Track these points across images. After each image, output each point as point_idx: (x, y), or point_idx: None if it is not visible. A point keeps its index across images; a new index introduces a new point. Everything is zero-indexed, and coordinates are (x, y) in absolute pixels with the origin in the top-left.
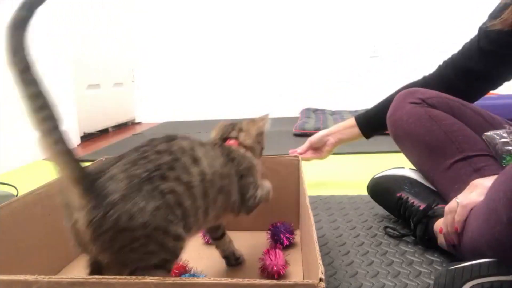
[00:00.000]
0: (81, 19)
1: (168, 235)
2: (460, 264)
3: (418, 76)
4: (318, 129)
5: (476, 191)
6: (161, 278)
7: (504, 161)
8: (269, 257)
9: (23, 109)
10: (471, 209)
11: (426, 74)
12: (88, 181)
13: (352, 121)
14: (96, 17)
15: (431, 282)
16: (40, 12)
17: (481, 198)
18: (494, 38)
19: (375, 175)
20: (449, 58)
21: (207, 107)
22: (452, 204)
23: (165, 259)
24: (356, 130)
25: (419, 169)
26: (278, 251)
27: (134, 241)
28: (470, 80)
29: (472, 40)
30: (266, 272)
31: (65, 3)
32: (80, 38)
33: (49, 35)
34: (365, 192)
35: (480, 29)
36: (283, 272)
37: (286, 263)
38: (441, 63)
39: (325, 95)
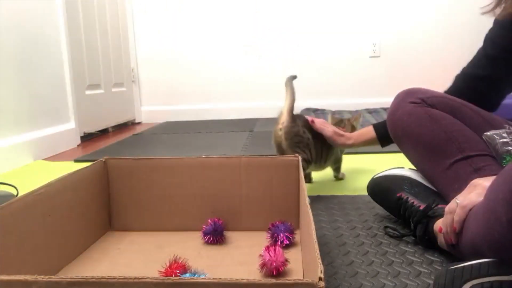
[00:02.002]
0: (82, 19)
1: (309, 147)
2: (460, 264)
3: (417, 76)
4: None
5: (475, 192)
6: (161, 278)
7: (504, 161)
8: (269, 253)
9: (23, 109)
10: (470, 210)
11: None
12: (292, 112)
13: (369, 127)
14: (97, 16)
15: (431, 282)
16: (40, 12)
17: (480, 198)
18: (498, 42)
19: (375, 175)
20: (460, 71)
21: (207, 107)
22: (452, 204)
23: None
24: (373, 133)
25: (419, 169)
26: (277, 248)
27: (298, 140)
28: (481, 88)
29: (478, 49)
30: (265, 268)
31: (65, 3)
32: (80, 37)
33: (49, 35)
34: (365, 192)
35: (486, 36)
36: (282, 269)
37: (285, 261)
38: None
39: (325, 95)
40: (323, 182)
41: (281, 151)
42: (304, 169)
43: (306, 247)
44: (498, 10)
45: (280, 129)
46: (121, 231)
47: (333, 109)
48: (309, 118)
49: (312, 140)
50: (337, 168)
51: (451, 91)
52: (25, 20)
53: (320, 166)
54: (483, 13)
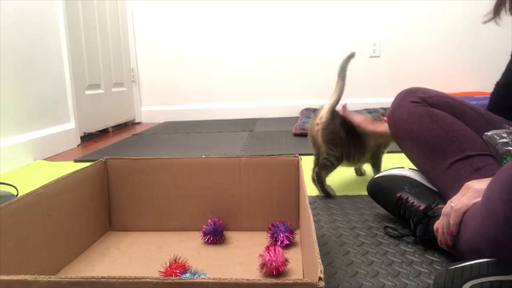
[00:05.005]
0: (82, 19)
1: (342, 145)
2: (459, 264)
3: (417, 76)
4: None
5: (467, 195)
6: (161, 278)
7: (504, 161)
8: (269, 253)
9: (23, 109)
10: (464, 213)
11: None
12: (333, 109)
13: None
14: (97, 16)
15: (431, 282)
16: (40, 12)
17: (473, 201)
18: None
19: (375, 175)
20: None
21: (207, 107)
22: (447, 207)
23: (335, 157)
24: None
25: (420, 168)
26: (277, 248)
27: (332, 138)
28: None
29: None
30: (265, 268)
31: (65, 3)
32: (80, 37)
33: (49, 35)
34: (365, 192)
35: None
36: (282, 269)
37: (285, 261)
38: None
39: (325, 95)
40: None
41: (315, 145)
42: (333, 166)
43: (306, 247)
44: (498, 21)
45: (317, 124)
46: (121, 231)
47: None
48: (342, 105)
49: (347, 138)
50: (375, 164)
51: (489, 105)
52: (25, 20)
53: (354, 163)
54: (485, 22)
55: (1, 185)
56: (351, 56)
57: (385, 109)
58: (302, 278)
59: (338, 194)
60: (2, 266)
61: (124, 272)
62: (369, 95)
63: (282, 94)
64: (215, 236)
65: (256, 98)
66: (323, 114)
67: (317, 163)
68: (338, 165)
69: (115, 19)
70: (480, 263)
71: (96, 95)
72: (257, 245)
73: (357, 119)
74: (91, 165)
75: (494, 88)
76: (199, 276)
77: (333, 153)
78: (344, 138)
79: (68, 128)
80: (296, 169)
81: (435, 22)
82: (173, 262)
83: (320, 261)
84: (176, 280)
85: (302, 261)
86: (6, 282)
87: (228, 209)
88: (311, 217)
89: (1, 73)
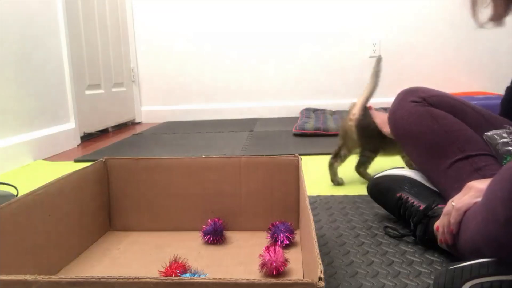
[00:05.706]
0: (82, 19)
1: (376, 138)
2: (459, 264)
3: (417, 76)
4: (318, 129)
5: (469, 194)
6: (161, 278)
7: (505, 161)
8: (269, 253)
9: (23, 109)
10: (465, 212)
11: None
12: (365, 105)
13: None
14: (97, 16)
15: (431, 282)
16: (40, 12)
17: (474, 200)
18: None
19: (375, 175)
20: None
21: (207, 107)
22: (448, 206)
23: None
24: None
25: (420, 168)
26: (277, 248)
27: (367, 133)
28: None
29: None
30: (265, 268)
31: (65, 2)
32: (80, 37)
33: (48, 35)
34: (365, 192)
35: None
36: (282, 269)
37: (285, 261)
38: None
39: (325, 95)
40: (323, 182)
41: (344, 139)
42: (371, 159)
43: (306, 247)
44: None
45: (351, 119)
46: (121, 231)
47: (333, 109)
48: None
49: (379, 130)
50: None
51: (500, 110)
52: (25, 20)
53: (389, 152)
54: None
55: (1, 185)
56: (379, 59)
57: (385, 109)
58: (302, 278)
59: (338, 194)
60: (2, 266)
61: (124, 272)
62: None
63: (282, 94)
64: (215, 236)
65: (256, 98)
66: (356, 111)
67: (336, 154)
68: (375, 156)
69: (115, 19)
70: (480, 263)
71: (96, 95)
72: (257, 245)
73: (378, 120)
74: (91, 165)
75: (504, 93)
76: (199, 276)
77: (368, 146)
78: (377, 130)
79: (68, 128)
80: (296, 169)
81: (435, 22)
82: (173, 262)
83: (320, 261)
84: (176, 280)
85: (302, 261)
86: (6, 282)
87: (228, 209)
88: (311, 217)
89: (1, 73)
